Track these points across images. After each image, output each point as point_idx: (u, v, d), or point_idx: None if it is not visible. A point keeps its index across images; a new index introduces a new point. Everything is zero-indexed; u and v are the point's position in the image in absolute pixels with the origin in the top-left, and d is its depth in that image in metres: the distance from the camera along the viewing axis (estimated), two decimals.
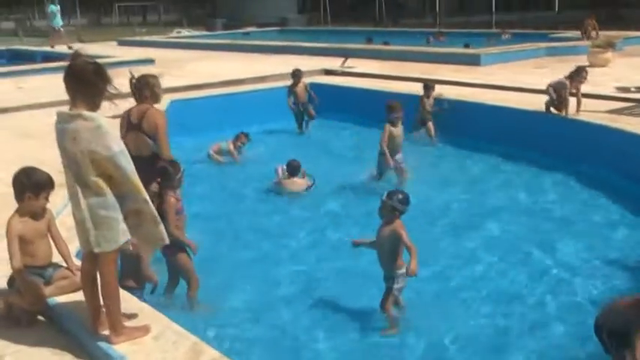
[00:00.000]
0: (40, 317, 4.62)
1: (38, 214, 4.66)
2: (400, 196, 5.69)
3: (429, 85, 12.39)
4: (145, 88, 6.92)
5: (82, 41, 33.87)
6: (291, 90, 13.20)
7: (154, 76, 7.16)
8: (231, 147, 11.23)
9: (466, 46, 21.52)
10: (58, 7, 27.61)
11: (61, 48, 25.94)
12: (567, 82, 10.39)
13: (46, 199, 4.62)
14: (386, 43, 22.92)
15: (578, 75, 10.46)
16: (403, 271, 5.49)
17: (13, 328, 4.47)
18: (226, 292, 6.26)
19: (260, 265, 7.02)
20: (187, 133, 11.50)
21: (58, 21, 27.72)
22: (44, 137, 10.80)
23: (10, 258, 4.53)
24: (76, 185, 3.90)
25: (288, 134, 12.98)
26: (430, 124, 11.94)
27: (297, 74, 13.28)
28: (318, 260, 7.10)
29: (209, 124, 12.18)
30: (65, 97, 13.36)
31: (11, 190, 7.50)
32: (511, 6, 51.13)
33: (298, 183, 9.53)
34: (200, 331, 4.67)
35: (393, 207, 5.58)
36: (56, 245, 4.79)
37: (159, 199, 5.62)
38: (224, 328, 5.45)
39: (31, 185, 4.54)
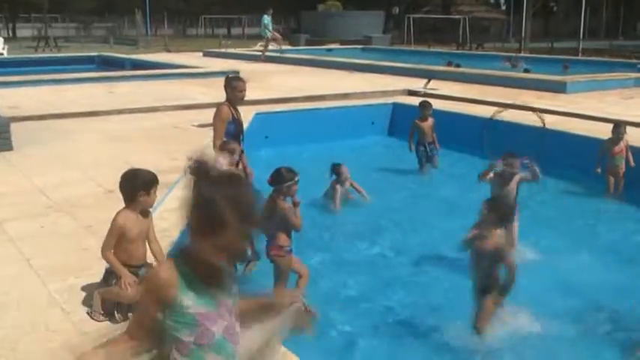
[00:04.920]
0: (132, 313, 4.78)
1: (147, 212, 4.86)
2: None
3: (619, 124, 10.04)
4: (226, 87, 8.00)
5: (168, 51, 34.79)
6: (416, 125, 11.11)
7: (237, 79, 8.22)
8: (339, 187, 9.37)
9: (526, 71, 21.37)
10: (270, 18, 28.50)
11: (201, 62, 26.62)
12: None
13: (155, 193, 4.82)
14: (457, 66, 22.77)
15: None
16: None
17: (106, 323, 4.64)
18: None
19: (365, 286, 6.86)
20: (270, 146, 11.67)
21: (267, 32, 28.52)
22: (133, 141, 11.21)
23: (104, 247, 4.75)
24: None
25: (370, 149, 12.96)
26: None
27: (426, 106, 11.19)
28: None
29: (292, 138, 12.32)
30: (153, 103, 13.89)
31: (103, 189, 7.86)
32: (597, 33, 50.24)
33: None
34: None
35: None
36: (151, 247, 4.96)
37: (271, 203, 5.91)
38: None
39: (141, 184, 4.73)
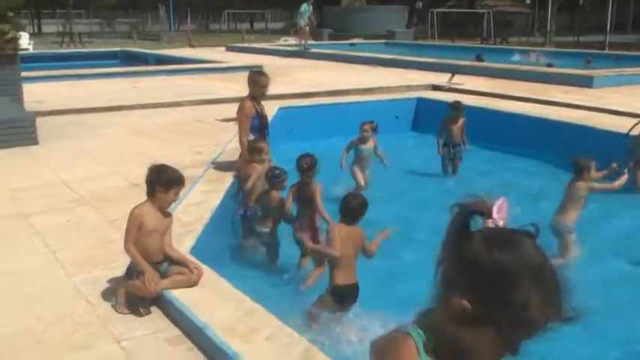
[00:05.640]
0: (155, 307, 4.81)
1: (165, 211, 4.88)
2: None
3: None
4: (249, 82, 8.19)
5: (191, 46, 34.90)
6: (444, 126, 10.62)
7: (260, 74, 8.38)
8: (371, 143, 9.39)
9: (549, 65, 21.12)
10: (310, 7, 28.02)
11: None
12: None
13: (176, 195, 4.85)
14: (480, 59, 22.58)
15: None
16: None
17: (130, 317, 4.67)
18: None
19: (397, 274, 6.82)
20: (293, 140, 11.65)
21: (301, 20, 28.06)
22: (156, 135, 11.26)
23: (126, 239, 4.79)
24: None
25: (393, 144, 12.79)
26: None
27: (459, 108, 10.66)
28: None
29: (315, 132, 12.31)
30: (176, 98, 14.01)
31: (128, 183, 7.92)
32: (624, 26, 49.64)
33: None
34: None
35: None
36: (167, 251, 4.97)
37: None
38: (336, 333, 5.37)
39: (162, 180, 4.77)
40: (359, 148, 9.41)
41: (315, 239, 6.55)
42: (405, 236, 7.88)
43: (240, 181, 7.68)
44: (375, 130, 9.42)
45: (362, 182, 9.32)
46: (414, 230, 8.08)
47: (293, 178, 6.99)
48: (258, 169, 7.29)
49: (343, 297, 5.30)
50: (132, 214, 4.80)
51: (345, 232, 5.30)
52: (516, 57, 25.27)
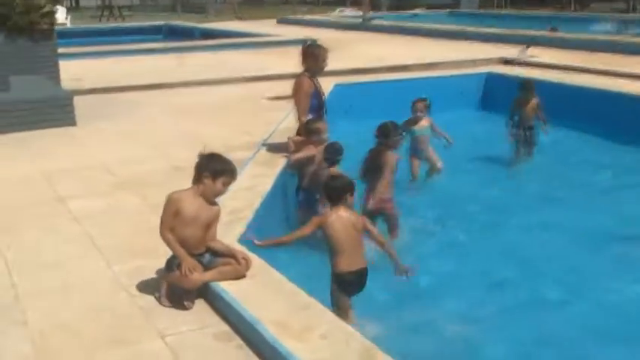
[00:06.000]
0: (202, 300, 4.77)
1: (212, 201, 4.83)
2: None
3: None
4: (306, 56, 7.99)
5: (240, 19, 35.00)
6: (517, 107, 10.13)
7: (318, 47, 8.16)
8: (425, 123, 9.17)
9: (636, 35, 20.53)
10: None
11: None
12: None
13: (224, 186, 4.80)
14: (554, 29, 22.02)
15: None
16: None
17: (175, 311, 4.64)
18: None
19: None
20: (350, 118, 11.54)
21: None
22: (202, 115, 11.29)
23: (161, 225, 4.79)
24: None
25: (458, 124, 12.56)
26: None
27: (529, 88, 10.17)
28: None
29: (373, 110, 12.16)
30: (224, 75, 14.04)
31: (171, 166, 7.95)
32: None
33: None
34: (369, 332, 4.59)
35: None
36: (211, 246, 4.91)
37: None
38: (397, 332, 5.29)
39: (211, 168, 4.74)
40: (412, 131, 9.08)
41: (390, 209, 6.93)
42: (473, 228, 7.78)
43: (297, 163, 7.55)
44: (428, 108, 9.20)
45: (415, 173, 9.19)
46: (483, 221, 7.97)
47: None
48: (313, 150, 7.16)
49: (349, 284, 5.27)
50: (168, 199, 4.77)
51: (347, 217, 5.26)
52: (598, 26, 24.60)
